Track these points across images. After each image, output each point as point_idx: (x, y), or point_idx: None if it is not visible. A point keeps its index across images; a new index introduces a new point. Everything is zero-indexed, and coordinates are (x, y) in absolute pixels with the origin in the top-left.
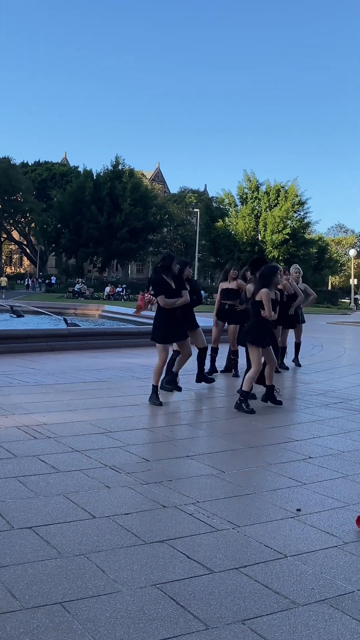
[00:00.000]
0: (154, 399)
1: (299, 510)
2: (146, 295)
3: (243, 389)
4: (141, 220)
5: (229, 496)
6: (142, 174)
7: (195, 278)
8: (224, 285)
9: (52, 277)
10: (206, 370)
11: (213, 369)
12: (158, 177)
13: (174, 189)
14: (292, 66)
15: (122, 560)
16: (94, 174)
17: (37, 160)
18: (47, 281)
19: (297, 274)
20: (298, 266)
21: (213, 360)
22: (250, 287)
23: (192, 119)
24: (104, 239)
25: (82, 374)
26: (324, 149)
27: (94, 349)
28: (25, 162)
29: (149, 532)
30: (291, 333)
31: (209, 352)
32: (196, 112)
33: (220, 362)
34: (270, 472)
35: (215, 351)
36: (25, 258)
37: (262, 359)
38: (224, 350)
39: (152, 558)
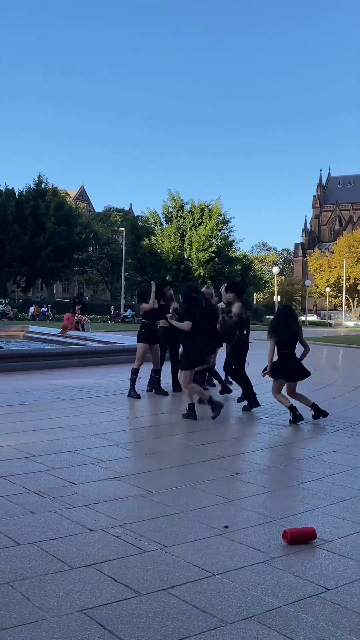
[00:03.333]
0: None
1: (226, 527)
2: (76, 315)
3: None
4: (66, 239)
5: (157, 516)
6: (66, 193)
7: (122, 297)
8: (146, 306)
9: None
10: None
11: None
12: (82, 195)
13: (98, 207)
14: (213, 90)
15: (48, 587)
16: (16, 193)
17: None
18: None
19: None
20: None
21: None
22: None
23: (117, 138)
24: (27, 258)
25: (5, 397)
26: (246, 170)
27: (17, 371)
28: None
29: (76, 557)
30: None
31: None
32: (121, 132)
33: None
34: (198, 490)
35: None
36: None
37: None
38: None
39: (78, 583)
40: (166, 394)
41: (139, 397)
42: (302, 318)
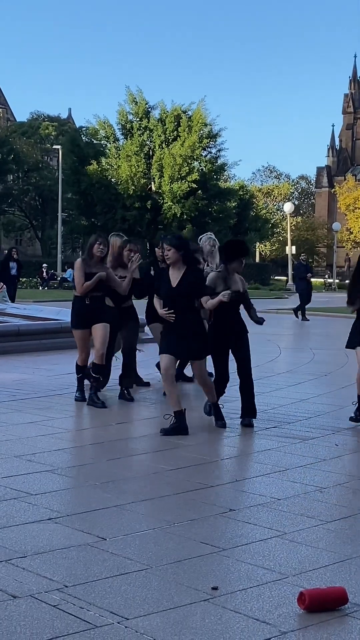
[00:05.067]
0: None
1: (215, 589)
2: None
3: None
4: None
5: (113, 575)
6: None
7: (60, 250)
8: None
9: None
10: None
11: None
12: None
13: (21, 114)
14: None
15: None
16: None
17: None
18: None
19: (212, 248)
20: (212, 236)
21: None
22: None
23: (44, 12)
24: None
25: None
26: (242, 60)
27: None
28: None
29: None
30: None
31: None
32: (51, 3)
33: None
34: (173, 534)
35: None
36: None
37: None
38: None
39: None
40: (131, 399)
41: (83, 400)
42: (330, 280)
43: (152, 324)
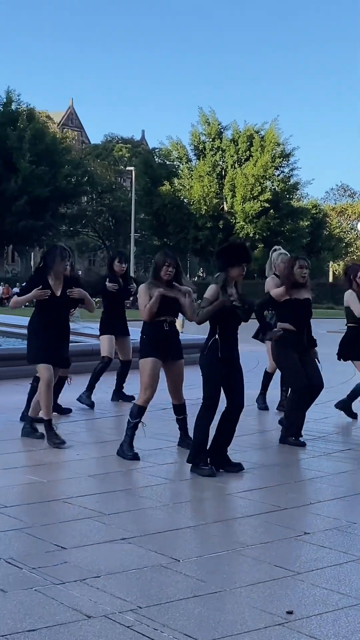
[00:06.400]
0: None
1: (290, 613)
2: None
3: None
4: (48, 185)
5: (186, 596)
6: (48, 116)
7: (132, 270)
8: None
9: None
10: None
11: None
12: (72, 120)
13: (96, 137)
14: None
15: None
16: None
17: None
18: None
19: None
20: (283, 250)
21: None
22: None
23: (118, 36)
24: None
25: None
26: (314, 75)
27: None
28: None
29: None
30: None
31: None
32: (124, 26)
33: None
34: (247, 557)
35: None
36: None
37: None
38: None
39: None
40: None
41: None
42: None
43: None
